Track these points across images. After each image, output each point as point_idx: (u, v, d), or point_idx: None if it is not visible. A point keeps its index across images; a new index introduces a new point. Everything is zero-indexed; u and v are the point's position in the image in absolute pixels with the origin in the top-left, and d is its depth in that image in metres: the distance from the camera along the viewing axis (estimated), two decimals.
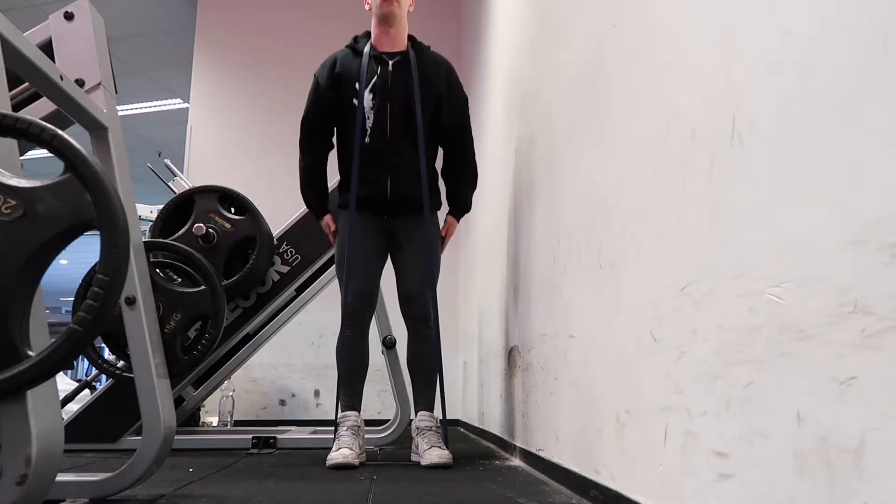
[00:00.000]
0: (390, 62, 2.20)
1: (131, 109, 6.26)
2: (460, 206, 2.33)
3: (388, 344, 2.58)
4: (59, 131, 0.93)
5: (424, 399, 2.18)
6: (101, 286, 0.90)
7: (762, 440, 0.77)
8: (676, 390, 0.99)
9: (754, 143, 0.81)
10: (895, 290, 0.58)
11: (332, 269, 2.55)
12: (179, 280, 2.10)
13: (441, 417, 2.17)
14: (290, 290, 2.72)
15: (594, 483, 1.32)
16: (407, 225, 2.19)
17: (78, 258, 5.37)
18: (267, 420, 3.84)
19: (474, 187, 2.36)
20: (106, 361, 2.19)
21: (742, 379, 0.81)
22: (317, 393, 3.99)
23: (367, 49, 2.22)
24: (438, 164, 2.33)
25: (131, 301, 1.41)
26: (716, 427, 0.87)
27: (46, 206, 0.91)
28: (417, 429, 2.12)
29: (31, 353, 0.91)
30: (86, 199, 0.91)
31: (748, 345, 0.80)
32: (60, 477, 1.15)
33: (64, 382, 4.31)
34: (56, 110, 1.44)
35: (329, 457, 1.96)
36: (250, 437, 2.49)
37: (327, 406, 3.88)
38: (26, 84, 1.49)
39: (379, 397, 3.73)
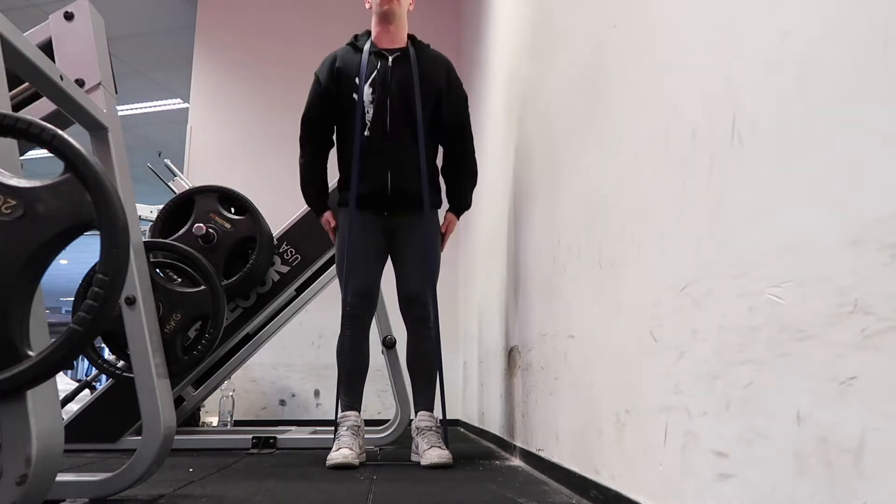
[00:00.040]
0: (390, 57, 2.21)
1: (131, 109, 6.26)
2: (460, 203, 2.33)
3: (388, 344, 2.58)
4: (59, 131, 0.93)
5: (424, 399, 2.18)
6: (101, 286, 0.90)
7: (762, 440, 0.77)
8: (676, 390, 0.99)
9: (754, 143, 0.81)
10: (895, 290, 0.58)
11: (332, 269, 2.55)
12: (179, 280, 2.10)
13: (441, 417, 2.17)
14: (290, 290, 2.72)
15: (594, 483, 1.32)
16: (407, 222, 2.19)
17: (78, 258, 5.37)
18: (267, 420, 3.84)
19: (474, 184, 2.37)
20: (106, 361, 2.18)
21: (742, 379, 0.81)
22: (317, 393, 3.99)
23: (367, 46, 2.23)
24: (439, 162, 2.34)
25: (131, 301, 1.41)
26: (716, 427, 0.87)
27: (46, 206, 0.91)
28: (417, 429, 2.12)
29: (31, 353, 0.91)
30: (86, 199, 0.91)
31: (748, 345, 0.80)
32: (60, 477, 1.15)
33: (64, 382, 4.31)
34: (56, 110, 1.44)
35: (329, 457, 1.96)
36: (250, 437, 2.49)
37: (327, 406, 3.88)
38: (26, 84, 1.49)
39: (379, 397, 3.73)
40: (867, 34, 0.62)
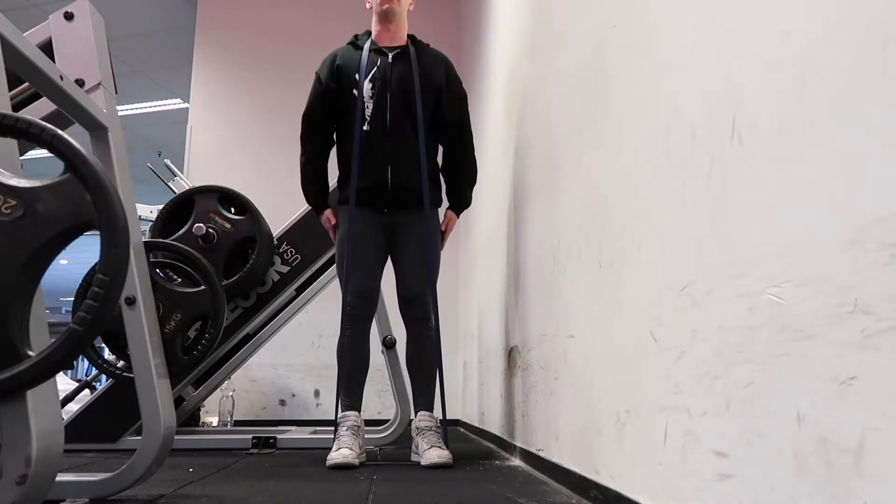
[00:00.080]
0: (390, 54, 2.22)
1: (131, 109, 6.26)
2: (460, 200, 2.34)
3: (388, 344, 2.58)
4: (59, 131, 0.93)
5: (424, 399, 2.18)
6: (101, 286, 0.90)
7: (762, 440, 0.77)
8: (676, 390, 0.99)
9: (754, 143, 0.81)
10: (895, 290, 0.58)
11: (332, 269, 2.55)
12: (179, 280, 2.09)
13: (441, 417, 2.17)
14: (290, 290, 2.72)
15: (594, 483, 1.32)
16: (407, 220, 2.19)
17: (78, 258, 5.38)
18: (267, 420, 3.84)
19: (474, 182, 2.37)
20: (106, 361, 2.18)
21: (742, 379, 0.81)
22: (317, 393, 3.99)
23: (367, 44, 2.24)
24: (439, 161, 2.34)
25: (131, 301, 1.41)
26: (716, 427, 0.87)
27: (46, 206, 0.91)
28: (417, 429, 2.12)
29: (31, 353, 0.91)
30: (86, 199, 0.91)
31: (748, 345, 0.80)
32: (60, 477, 1.15)
33: (64, 382, 4.31)
34: (56, 110, 1.44)
35: (329, 457, 1.96)
36: (250, 437, 2.49)
37: (327, 406, 3.88)
38: (26, 84, 1.49)
39: (379, 397, 3.73)
40: (867, 34, 0.62)
